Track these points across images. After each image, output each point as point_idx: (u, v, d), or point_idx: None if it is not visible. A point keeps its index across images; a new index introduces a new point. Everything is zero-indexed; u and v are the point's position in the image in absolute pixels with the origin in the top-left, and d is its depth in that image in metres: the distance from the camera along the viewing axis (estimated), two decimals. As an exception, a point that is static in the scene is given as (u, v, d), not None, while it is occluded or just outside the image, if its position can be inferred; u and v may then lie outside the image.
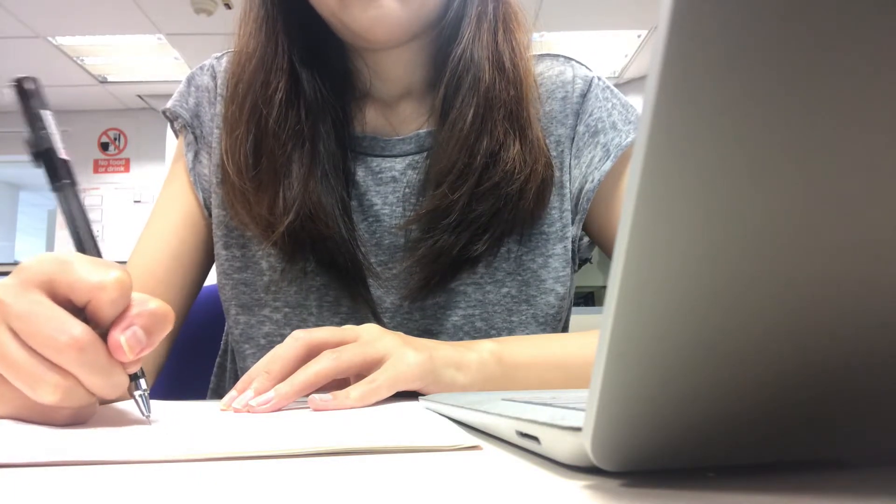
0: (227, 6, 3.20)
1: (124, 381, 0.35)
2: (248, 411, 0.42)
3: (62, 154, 0.41)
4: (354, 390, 0.44)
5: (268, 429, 0.32)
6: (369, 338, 0.49)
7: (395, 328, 0.63)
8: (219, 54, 0.74)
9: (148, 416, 0.37)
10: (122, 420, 0.37)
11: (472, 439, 0.27)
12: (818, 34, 0.14)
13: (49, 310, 0.33)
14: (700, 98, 0.15)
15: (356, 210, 0.66)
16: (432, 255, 0.62)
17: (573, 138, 0.69)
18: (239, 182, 0.62)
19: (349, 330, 0.49)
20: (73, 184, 0.42)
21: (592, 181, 0.67)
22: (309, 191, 0.61)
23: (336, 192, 0.63)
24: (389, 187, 0.67)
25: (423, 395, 0.47)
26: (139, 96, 4.50)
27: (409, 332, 0.58)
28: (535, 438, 0.23)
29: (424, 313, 0.65)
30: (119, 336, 0.34)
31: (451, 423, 0.33)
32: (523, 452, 0.26)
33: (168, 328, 0.36)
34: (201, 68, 0.74)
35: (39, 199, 6.24)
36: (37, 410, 0.34)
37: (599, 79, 0.72)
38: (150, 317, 0.35)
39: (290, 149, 0.62)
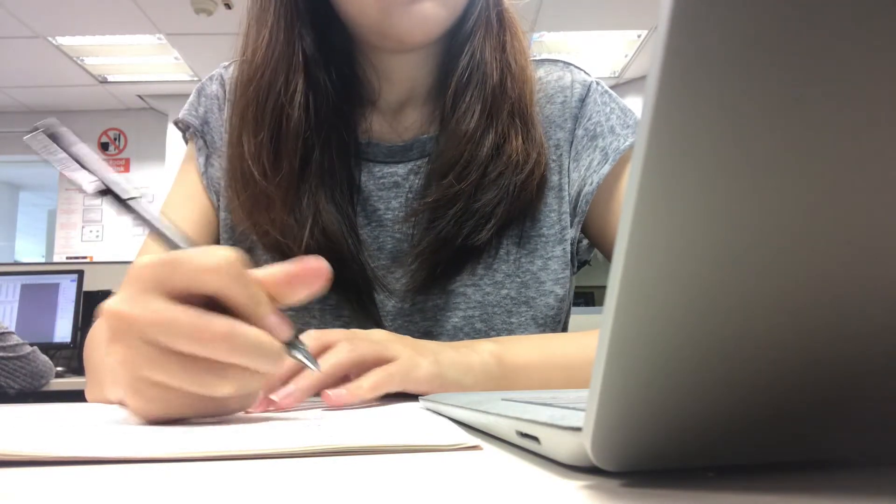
0: (228, 6, 3.20)
1: (279, 349, 0.35)
2: (271, 405, 0.42)
3: (109, 179, 0.40)
4: (366, 380, 0.45)
5: (268, 428, 0.32)
6: (380, 338, 0.50)
7: (395, 330, 0.64)
8: (226, 63, 0.74)
9: (318, 369, 0.38)
10: (122, 419, 0.37)
11: (472, 439, 0.27)
12: (819, 34, 0.14)
13: (180, 312, 0.32)
14: (700, 98, 0.15)
15: (360, 215, 0.67)
16: (436, 244, 0.63)
17: (572, 142, 0.70)
18: (264, 186, 0.62)
19: (359, 333, 0.50)
20: (135, 197, 0.40)
21: (591, 184, 0.67)
22: (320, 210, 0.62)
23: (343, 210, 0.63)
24: (392, 192, 0.67)
25: (423, 395, 0.47)
26: (139, 96, 4.50)
27: (409, 334, 0.59)
28: (535, 438, 0.23)
29: (424, 315, 0.65)
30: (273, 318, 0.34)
31: (451, 423, 0.34)
32: (523, 452, 0.26)
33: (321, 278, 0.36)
34: (210, 78, 0.75)
35: (39, 199, 6.23)
36: (211, 405, 0.35)
37: (598, 83, 0.73)
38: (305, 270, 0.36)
39: (303, 154, 0.63)
